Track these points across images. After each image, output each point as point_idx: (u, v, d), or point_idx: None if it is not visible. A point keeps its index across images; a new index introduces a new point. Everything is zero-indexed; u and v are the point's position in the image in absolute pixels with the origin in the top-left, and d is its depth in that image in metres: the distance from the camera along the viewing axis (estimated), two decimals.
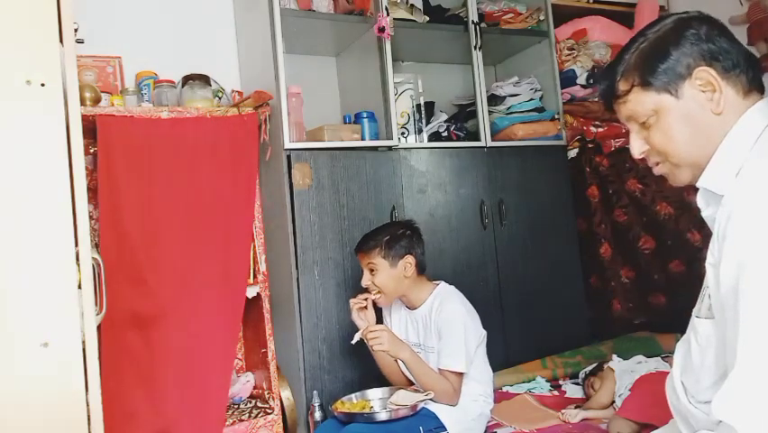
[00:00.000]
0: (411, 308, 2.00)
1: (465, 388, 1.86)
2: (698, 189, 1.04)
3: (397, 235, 1.95)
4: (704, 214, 1.03)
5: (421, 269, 1.97)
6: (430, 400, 1.82)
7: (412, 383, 1.93)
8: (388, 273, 1.91)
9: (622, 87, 1.05)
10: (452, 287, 1.99)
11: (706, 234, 2.55)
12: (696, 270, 2.63)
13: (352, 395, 1.96)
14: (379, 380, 2.07)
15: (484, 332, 1.95)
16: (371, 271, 1.92)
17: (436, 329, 1.89)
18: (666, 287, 2.76)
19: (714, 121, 0.99)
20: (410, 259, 1.93)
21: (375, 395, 1.96)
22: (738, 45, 1.00)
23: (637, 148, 1.07)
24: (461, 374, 1.84)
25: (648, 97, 1.02)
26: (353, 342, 1.89)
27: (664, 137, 1.02)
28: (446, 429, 1.81)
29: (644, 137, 1.05)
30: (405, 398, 1.83)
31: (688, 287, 2.64)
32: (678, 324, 2.48)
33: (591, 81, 2.97)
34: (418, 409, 1.79)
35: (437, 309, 1.90)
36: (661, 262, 2.77)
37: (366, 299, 1.95)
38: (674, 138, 1.01)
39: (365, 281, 1.94)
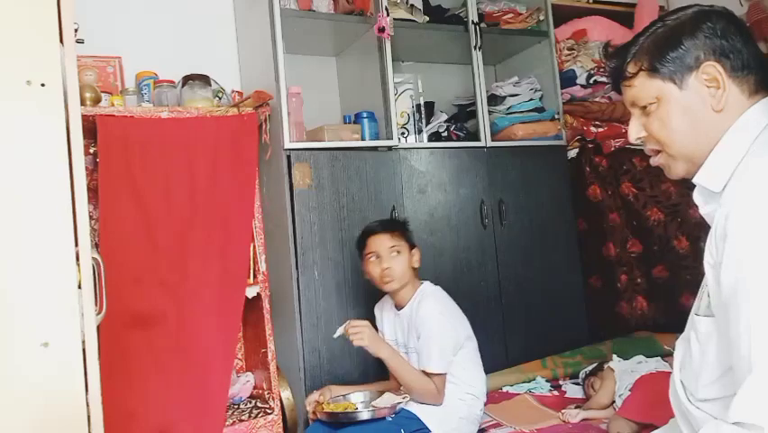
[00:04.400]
0: (398, 307, 2.00)
1: (449, 388, 1.85)
2: (693, 187, 1.04)
3: (407, 226, 2.05)
4: (702, 211, 1.03)
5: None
6: (411, 400, 1.82)
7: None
8: (407, 258, 1.96)
9: (630, 69, 1.05)
10: (436, 287, 1.99)
11: (692, 241, 2.60)
12: (681, 276, 2.66)
13: (337, 397, 1.97)
14: (378, 378, 2.07)
15: (468, 332, 1.95)
16: (398, 252, 1.93)
17: (415, 330, 1.89)
18: (649, 291, 2.77)
19: (713, 118, 0.99)
20: (417, 251, 2.00)
21: (358, 399, 1.97)
22: (753, 46, 1.00)
23: (634, 132, 1.08)
24: (442, 374, 1.83)
25: (653, 84, 1.02)
26: (335, 336, 1.89)
27: (661, 125, 1.03)
28: (430, 431, 1.81)
29: (644, 123, 1.06)
30: (386, 400, 1.84)
31: (671, 292, 2.68)
32: (663, 327, 2.51)
33: (592, 81, 2.97)
34: (397, 409, 1.79)
35: (416, 310, 1.90)
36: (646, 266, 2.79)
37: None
38: (670, 128, 1.02)
39: (387, 263, 1.92)
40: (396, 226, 2.01)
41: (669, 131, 1.02)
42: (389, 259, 1.92)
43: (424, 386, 1.81)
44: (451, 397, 1.85)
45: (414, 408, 1.83)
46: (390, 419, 1.78)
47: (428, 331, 1.84)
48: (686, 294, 2.63)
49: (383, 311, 2.08)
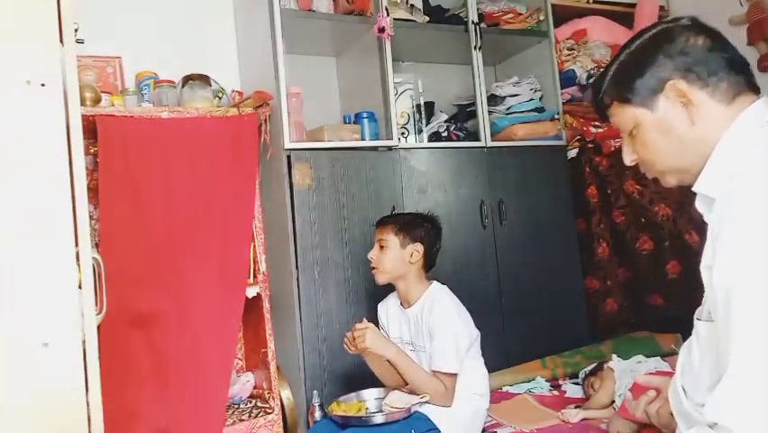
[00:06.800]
0: (405, 304, 1.99)
1: (459, 387, 1.85)
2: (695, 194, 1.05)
3: (415, 222, 2.00)
4: (706, 218, 1.03)
5: (429, 265, 1.99)
6: (425, 402, 1.81)
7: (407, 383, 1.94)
8: (395, 253, 1.93)
9: (606, 100, 1.09)
10: (444, 287, 1.99)
11: (704, 235, 2.58)
12: (693, 271, 2.63)
13: (349, 395, 1.96)
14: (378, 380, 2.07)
15: (477, 331, 1.94)
16: (381, 247, 1.95)
17: (427, 330, 1.88)
18: (662, 287, 2.76)
19: (694, 131, 1.00)
20: (419, 247, 1.95)
21: (371, 395, 1.96)
22: (719, 51, 0.99)
23: (628, 156, 1.11)
24: (453, 375, 1.83)
25: (627, 112, 1.06)
26: (351, 353, 1.90)
27: (646, 148, 1.06)
28: (439, 431, 1.80)
29: (632, 146, 1.09)
30: (399, 399, 1.82)
31: (684, 288, 2.66)
32: (675, 324, 2.50)
33: (590, 82, 2.97)
34: (412, 411, 1.78)
35: (428, 310, 1.90)
36: (658, 262, 2.77)
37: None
38: (654, 149, 1.05)
39: (371, 254, 1.98)
40: (388, 221, 2.01)
41: (654, 153, 1.05)
42: (375, 251, 1.97)
43: (433, 386, 1.80)
44: (459, 396, 1.84)
45: (423, 407, 1.82)
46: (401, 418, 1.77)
47: (445, 331, 1.84)
48: (687, 293, 2.62)
49: (388, 309, 2.07)
